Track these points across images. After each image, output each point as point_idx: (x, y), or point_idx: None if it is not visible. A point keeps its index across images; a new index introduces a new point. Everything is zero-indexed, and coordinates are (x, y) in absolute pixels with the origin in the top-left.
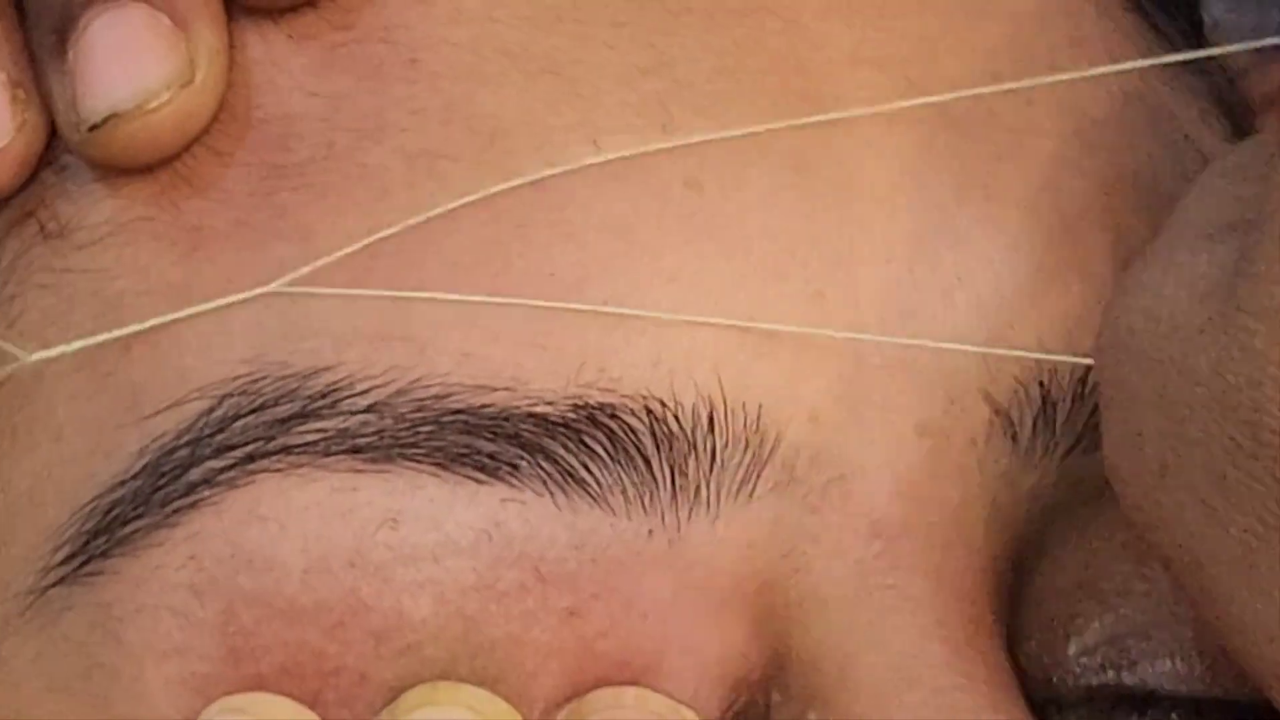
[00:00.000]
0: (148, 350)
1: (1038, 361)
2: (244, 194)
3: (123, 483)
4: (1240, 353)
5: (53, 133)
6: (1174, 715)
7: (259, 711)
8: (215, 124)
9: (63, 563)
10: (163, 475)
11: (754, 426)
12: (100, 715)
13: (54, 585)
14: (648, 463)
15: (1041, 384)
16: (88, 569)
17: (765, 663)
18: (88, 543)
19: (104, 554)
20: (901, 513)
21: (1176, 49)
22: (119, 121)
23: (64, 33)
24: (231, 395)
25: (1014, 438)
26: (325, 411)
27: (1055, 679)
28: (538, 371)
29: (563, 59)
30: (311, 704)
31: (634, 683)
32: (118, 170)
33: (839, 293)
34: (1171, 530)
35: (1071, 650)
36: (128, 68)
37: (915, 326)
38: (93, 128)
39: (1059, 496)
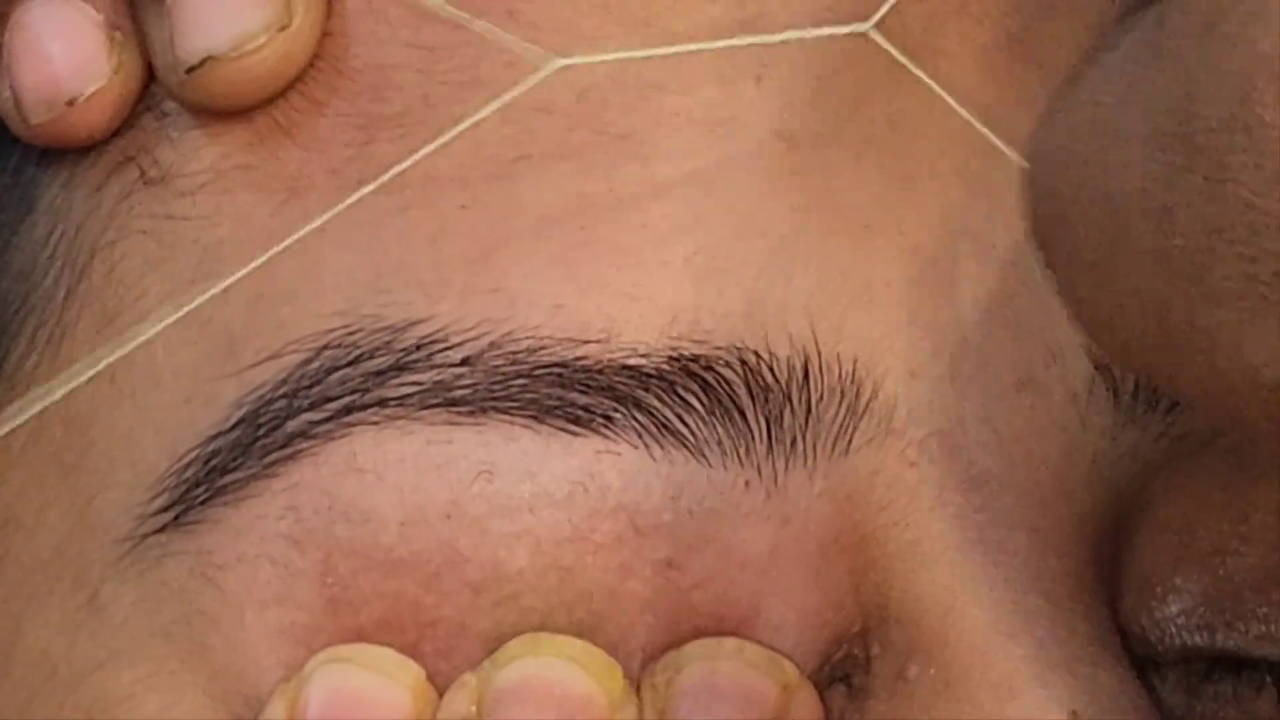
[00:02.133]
0: (245, 300)
1: None
2: (340, 144)
3: (222, 433)
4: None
5: (152, 77)
6: (1269, 678)
7: (364, 661)
8: (313, 73)
9: (162, 510)
10: (261, 426)
11: (850, 379)
12: (200, 661)
13: (154, 532)
14: (743, 414)
15: None
16: (188, 517)
17: (864, 615)
18: (187, 491)
19: (204, 503)
20: (1001, 467)
21: None
22: (216, 64)
23: None
24: (328, 348)
25: (1115, 393)
26: (420, 364)
27: (1152, 638)
28: (630, 323)
29: (660, 12)
30: (411, 655)
31: (732, 634)
32: (215, 114)
33: (934, 244)
34: (1134, 297)
35: (1169, 610)
36: (225, 10)
37: (1013, 279)
38: (190, 70)
39: (1160, 453)
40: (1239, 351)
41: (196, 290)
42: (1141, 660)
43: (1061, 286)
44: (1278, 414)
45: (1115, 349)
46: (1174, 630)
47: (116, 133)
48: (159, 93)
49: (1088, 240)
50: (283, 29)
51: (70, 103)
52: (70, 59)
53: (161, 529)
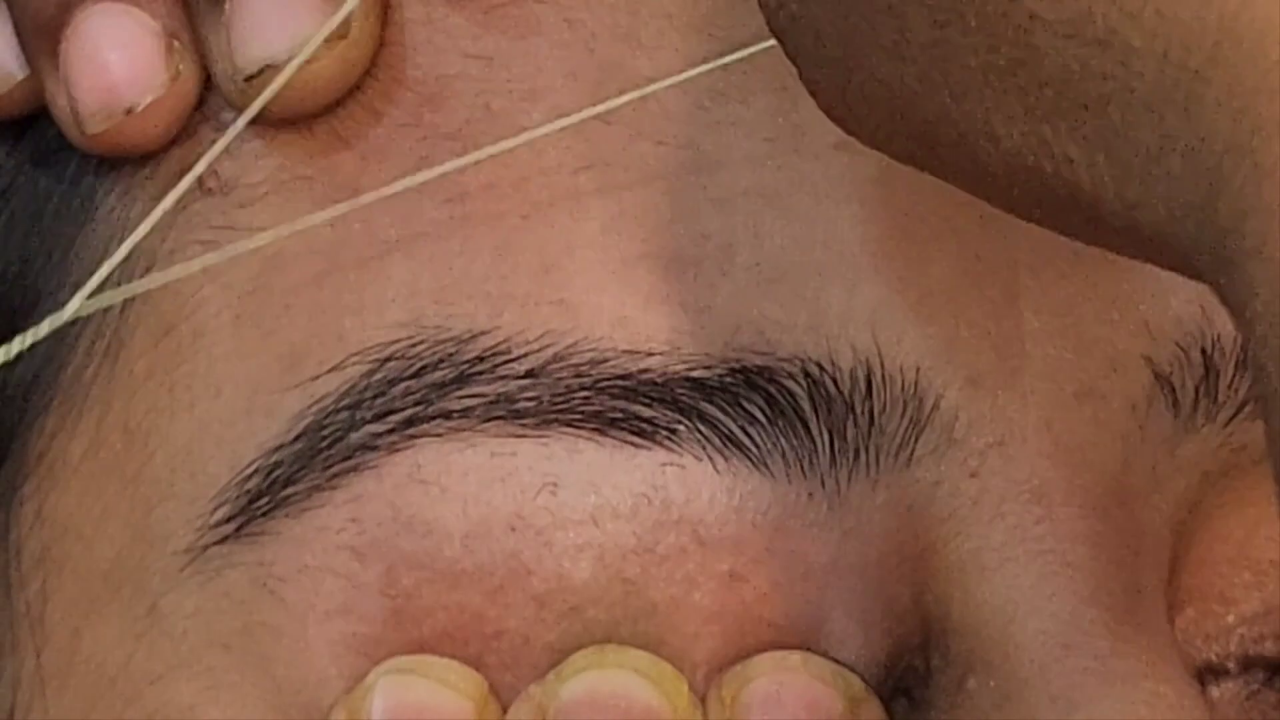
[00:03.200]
0: (307, 311)
1: (1201, 328)
2: (400, 154)
3: (284, 445)
4: None
5: (209, 87)
6: None
7: (427, 672)
8: (372, 83)
9: (224, 521)
10: (324, 438)
11: (912, 390)
12: (261, 673)
13: (215, 543)
14: (806, 426)
15: (1204, 350)
16: (249, 528)
17: (926, 627)
18: (249, 502)
19: (265, 514)
20: (1061, 478)
21: None
22: (274, 73)
23: None
24: (391, 359)
25: (1175, 404)
26: (483, 376)
27: (1211, 648)
28: (694, 335)
29: (721, 21)
30: (475, 667)
31: (796, 646)
32: (274, 124)
33: (994, 254)
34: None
35: (1228, 620)
36: (284, 19)
37: (1074, 288)
38: (248, 79)
39: (1218, 464)
40: (994, 140)
41: (257, 301)
42: (1201, 670)
43: (804, 79)
44: (1036, 197)
45: (867, 139)
46: (1235, 641)
47: (174, 142)
48: (216, 103)
49: (828, 36)
50: (341, 38)
51: (128, 112)
52: (128, 68)
53: (222, 540)
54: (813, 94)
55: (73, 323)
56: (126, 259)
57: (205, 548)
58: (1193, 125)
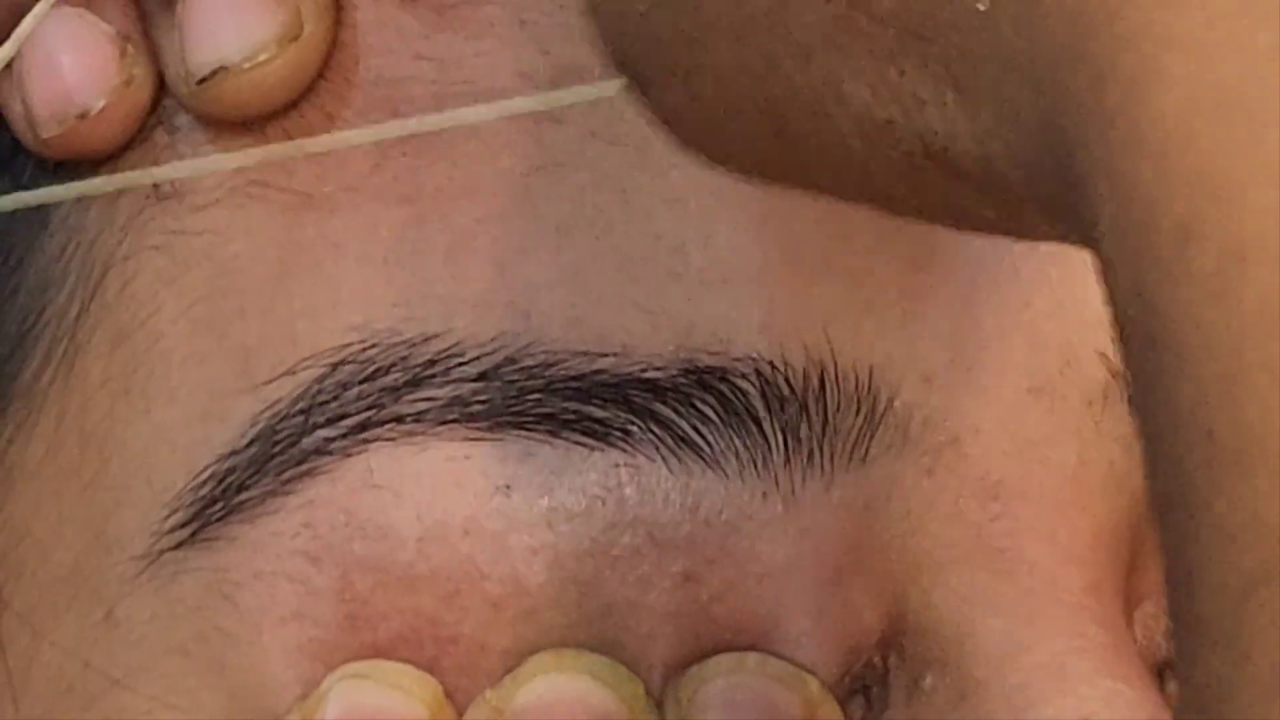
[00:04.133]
0: (260, 315)
1: None
2: (353, 156)
3: (237, 450)
4: None
5: (163, 90)
6: None
7: (382, 678)
8: (325, 85)
9: (179, 527)
10: (277, 443)
11: (866, 388)
12: (217, 679)
13: (170, 549)
14: (759, 425)
15: None
16: (204, 534)
17: (882, 626)
18: (204, 508)
19: (220, 520)
20: (1017, 475)
21: None
22: (227, 75)
23: None
24: (344, 363)
25: (1131, 400)
26: (436, 379)
27: (1169, 644)
28: (646, 336)
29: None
30: (430, 671)
31: (752, 647)
32: (227, 127)
33: (947, 251)
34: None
35: None
36: (236, 21)
37: (1027, 285)
38: (201, 81)
39: None
40: (844, 102)
41: (211, 305)
42: (1160, 667)
43: (658, 107)
44: (896, 166)
45: (725, 156)
46: None
47: (128, 147)
48: (170, 107)
49: (670, 40)
50: (294, 40)
51: (82, 116)
52: (81, 71)
53: (178, 546)
54: (664, 118)
55: (29, 327)
56: (84, 265)
57: (160, 553)
58: (1029, 37)
